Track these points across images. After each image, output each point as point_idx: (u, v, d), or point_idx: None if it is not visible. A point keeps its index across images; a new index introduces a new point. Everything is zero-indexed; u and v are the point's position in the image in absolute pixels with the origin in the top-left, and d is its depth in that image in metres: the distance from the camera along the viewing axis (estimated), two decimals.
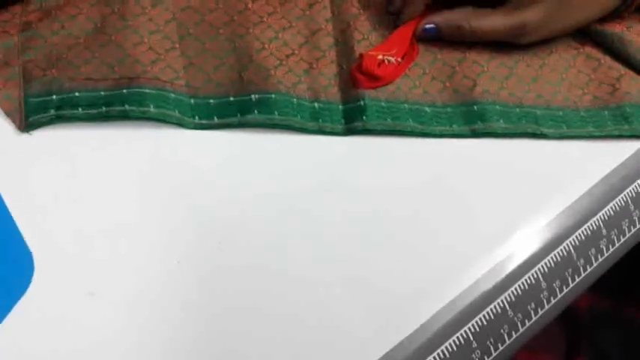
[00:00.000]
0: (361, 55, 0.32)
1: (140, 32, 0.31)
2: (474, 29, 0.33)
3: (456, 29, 0.33)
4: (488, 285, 0.27)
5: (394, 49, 0.32)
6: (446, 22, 0.34)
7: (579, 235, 0.30)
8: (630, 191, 0.31)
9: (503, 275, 0.27)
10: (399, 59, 0.32)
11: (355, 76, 0.32)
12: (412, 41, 0.33)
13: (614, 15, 0.35)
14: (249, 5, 0.34)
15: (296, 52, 0.33)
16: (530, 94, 0.33)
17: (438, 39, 0.34)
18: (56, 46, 0.30)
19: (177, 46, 0.32)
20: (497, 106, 0.32)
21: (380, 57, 0.32)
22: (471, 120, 0.31)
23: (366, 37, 0.34)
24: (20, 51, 0.30)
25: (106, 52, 0.31)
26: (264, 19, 0.34)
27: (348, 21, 0.34)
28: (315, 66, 0.33)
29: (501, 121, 0.31)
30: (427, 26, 0.34)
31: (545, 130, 0.32)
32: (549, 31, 0.34)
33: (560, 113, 0.33)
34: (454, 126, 0.31)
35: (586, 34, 0.36)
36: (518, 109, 0.32)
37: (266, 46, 0.33)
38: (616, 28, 0.36)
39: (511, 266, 0.28)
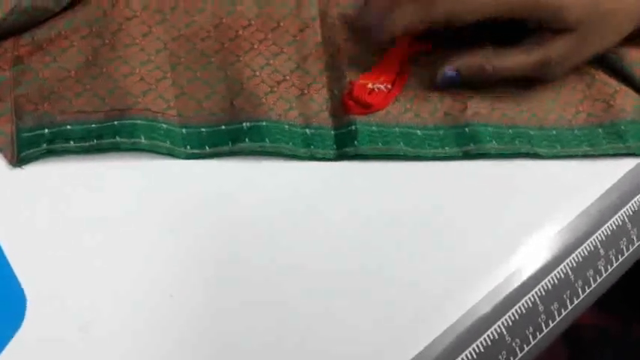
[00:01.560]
0: (351, 83, 0.32)
1: (131, 63, 0.32)
2: (497, 69, 0.32)
3: (477, 71, 0.32)
4: (485, 310, 0.27)
5: (382, 76, 0.32)
6: (466, 65, 0.32)
7: (576, 256, 0.29)
8: (627, 210, 0.31)
9: (499, 300, 0.27)
10: (389, 86, 0.32)
11: (346, 103, 0.32)
12: (402, 66, 0.33)
13: (628, 39, 0.34)
14: (240, 32, 0.34)
15: (287, 78, 0.33)
16: (523, 114, 0.33)
17: (460, 84, 0.33)
18: (48, 80, 0.31)
19: (168, 75, 0.32)
20: (490, 128, 0.32)
21: (370, 85, 0.32)
22: (463, 142, 0.31)
23: (357, 62, 0.34)
24: (12, 86, 0.30)
25: (98, 85, 0.31)
26: (255, 46, 0.34)
27: (338, 45, 0.34)
28: (306, 92, 0.33)
29: (494, 142, 0.31)
30: (448, 73, 0.32)
31: (539, 150, 0.31)
32: (573, 63, 0.33)
33: (554, 132, 0.33)
34: (446, 148, 0.31)
35: None
36: (511, 130, 0.32)
37: (257, 73, 0.33)
38: None
39: (507, 290, 0.27)
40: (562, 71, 0.33)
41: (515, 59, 0.32)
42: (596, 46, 0.33)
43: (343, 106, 0.32)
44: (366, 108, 0.31)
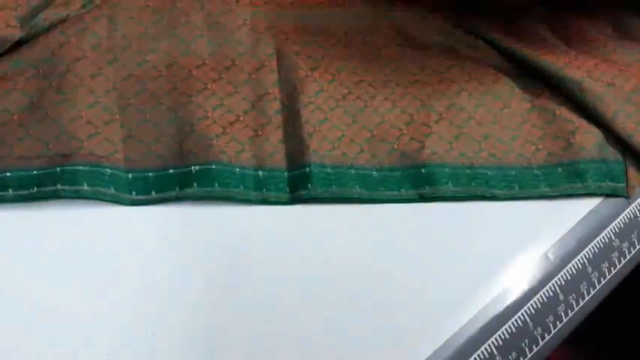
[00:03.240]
0: None
1: (78, 106, 0.31)
2: None
3: None
4: None
5: None
6: None
7: (535, 302, 0.28)
8: (587, 252, 0.30)
9: (452, 351, 0.26)
10: None
11: None
12: None
13: None
14: (194, 72, 0.33)
15: (241, 118, 0.32)
16: (482, 153, 0.32)
17: None
18: None
19: (116, 117, 0.31)
20: (447, 169, 0.31)
21: None
22: (419, 184, 0.31)
23: (313, 100, 0.33)
24: None
25: (41, 129, 0.30)
26: (209, 86, 0.33)
27: (295, 84, 0.34)
28: (260, 133, 0.32)
29: (450, 184, 0.31)
30: None
31: (496, 192, 0.31)
32: None
33: (513, 172, 0.32)
34: (402, 190, 0.31)
35: (546, 80, 0.36)
36: (468, 171, 0.31)
37: (209, 114, 0.32)
38: (577, 74, 0.35)
39: (461, 340, 0.26)
40: None
41: None
42: None
43: None
44: None
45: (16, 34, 0.32)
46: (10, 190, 0.28)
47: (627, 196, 0.32)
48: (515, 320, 0.28)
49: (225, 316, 0.26)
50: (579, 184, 0.32)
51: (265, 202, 0.30)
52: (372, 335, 0.26)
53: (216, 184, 0.29)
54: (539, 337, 0.28)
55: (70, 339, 0.25)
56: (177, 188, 0.29)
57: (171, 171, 0.30)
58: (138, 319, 0.26)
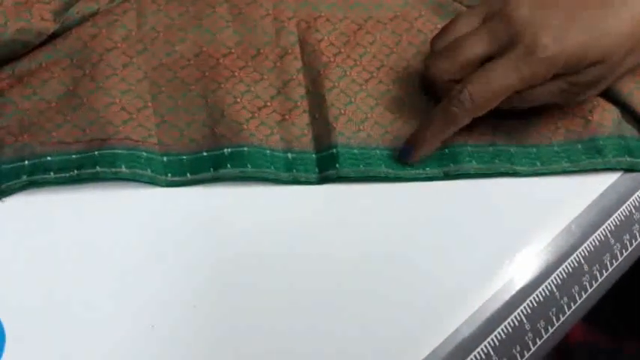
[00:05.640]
0: None
1: (112, 93, 0.32)
2: (525, 98, 0.30)
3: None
4: (470, 330, 0.27)
5: None
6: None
7: (560, 273, 0.29)
8: (609, 225, 0.31)
9: (484, 319, 0.27)
10: None
11: None
12: None
13: None
14: (221, 60, 0.34)
15: (268, 104, 0.33)
16: (502, 133, 0.33)
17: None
18: (28, 112, 0.31)
19: (149, 104, 0.32)
20: (469, 147, 0.32)
21: None
22: (443, 162, 0.32)
23: (336, 85, 0.34)
24: None
25: (78, 115, 0.31)
26: (236, 74, 0.34)
27: (318, 70, 0.35)
28: (287, 117, 0.33)
29: (473, 162, 0.31)
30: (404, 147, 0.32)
31: (518, 169, 0.32)
32: (602, 86, 0.31)
33: (534, 150, 0.33)
34: (427, 169, 0.31)
35: None
36: (491, 148, 0.32)
37: (238, 100, 0.33)
38: None
39: (493, 309, 0.27)
40: (589, 95, 0.31)
41: (542, 88, 0.30)
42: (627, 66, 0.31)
43: None
44: None
45: (50, 26, 0.33)
46: (52, 173, 0.29)
47: None
48: (542, 290, 0.28)
49: (262, 293, 0.27)
50: (599, 160, 0.32)
51: (295, 181, 0.31)
52: (407, 304, 0.27)
53: (248, 165, 0.30)
54: (565, 306, 0.29)
55: (110, 314, 0.26)
56: (212, 169, 0.30)
57: (204, 154, 0.31)
58: (176, 296, 0.27)
